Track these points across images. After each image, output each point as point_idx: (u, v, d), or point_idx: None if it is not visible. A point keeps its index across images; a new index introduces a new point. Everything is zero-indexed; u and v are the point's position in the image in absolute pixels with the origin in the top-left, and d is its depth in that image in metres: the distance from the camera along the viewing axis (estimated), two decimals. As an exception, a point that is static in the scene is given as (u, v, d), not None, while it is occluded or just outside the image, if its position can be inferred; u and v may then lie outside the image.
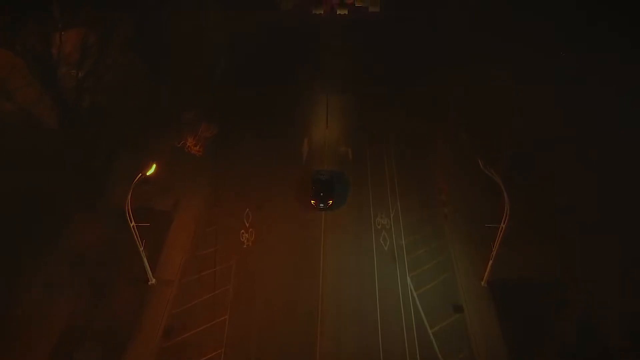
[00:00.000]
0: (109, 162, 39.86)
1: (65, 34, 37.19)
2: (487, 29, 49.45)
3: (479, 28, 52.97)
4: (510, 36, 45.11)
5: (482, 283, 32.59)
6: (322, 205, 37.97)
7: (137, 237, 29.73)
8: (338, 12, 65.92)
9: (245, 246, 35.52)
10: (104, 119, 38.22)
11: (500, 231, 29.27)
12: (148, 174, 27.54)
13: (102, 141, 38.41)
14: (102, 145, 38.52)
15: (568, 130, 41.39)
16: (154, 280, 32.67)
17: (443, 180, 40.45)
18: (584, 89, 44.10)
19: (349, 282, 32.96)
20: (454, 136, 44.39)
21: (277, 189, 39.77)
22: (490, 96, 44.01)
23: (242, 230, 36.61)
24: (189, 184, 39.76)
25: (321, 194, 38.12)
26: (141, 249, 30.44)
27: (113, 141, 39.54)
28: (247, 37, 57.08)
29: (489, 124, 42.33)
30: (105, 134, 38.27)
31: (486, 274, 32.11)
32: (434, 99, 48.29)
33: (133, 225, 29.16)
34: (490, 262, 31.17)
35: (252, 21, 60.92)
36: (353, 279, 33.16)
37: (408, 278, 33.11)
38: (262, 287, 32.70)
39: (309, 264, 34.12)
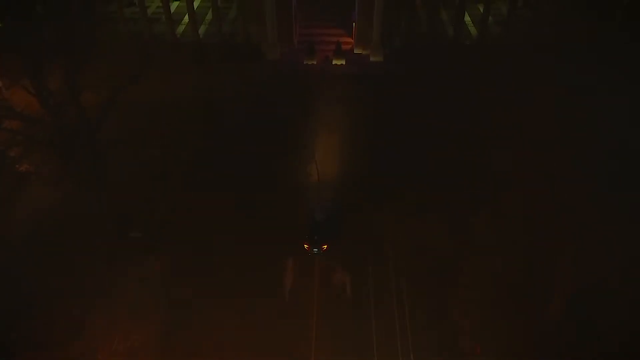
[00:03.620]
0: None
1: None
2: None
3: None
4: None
5: None
6: (315, 250, 33.35)
7: None
8: (334, 62, 55.69)
9: None
10: None
11: None
12: None
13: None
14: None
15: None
16: None
17: (472, 333, 30.07)
18: None
19: None
20: (484, 255, 33.98)
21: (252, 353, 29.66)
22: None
23: None
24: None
25: (315, 237, 33.35)
26: None
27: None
28: (220, 103, 47.30)
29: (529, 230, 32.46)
30: None
31: None
32: (455, 195, 38.23)
33: None
34: None
35: (230, 78, 51.57)
36: None
37: None
38: None
39: None
